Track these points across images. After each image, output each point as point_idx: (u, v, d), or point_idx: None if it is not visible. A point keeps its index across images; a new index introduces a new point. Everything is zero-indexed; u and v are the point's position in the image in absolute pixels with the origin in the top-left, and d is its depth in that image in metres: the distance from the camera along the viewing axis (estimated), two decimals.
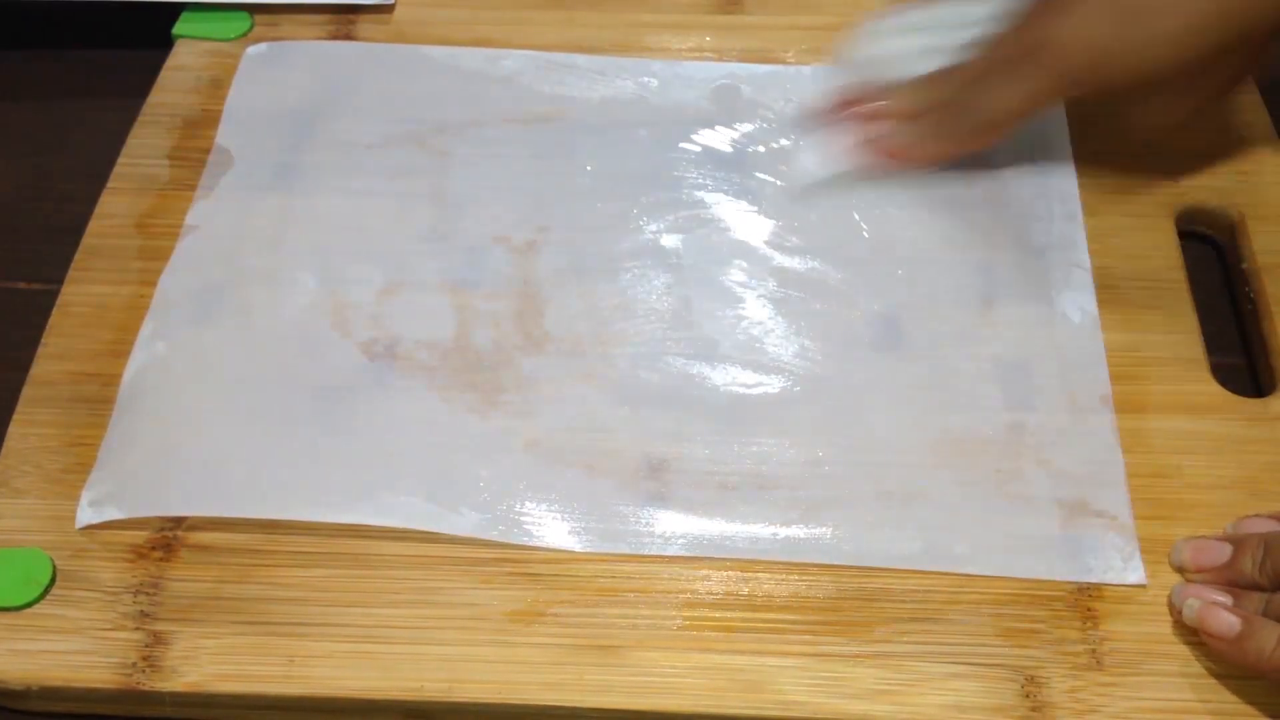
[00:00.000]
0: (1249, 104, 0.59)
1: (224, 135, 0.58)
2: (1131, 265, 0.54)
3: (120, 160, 0.57)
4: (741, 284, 0.53)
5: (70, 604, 0.45)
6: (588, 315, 0.52)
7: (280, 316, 0.52)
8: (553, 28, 0.62)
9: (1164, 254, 0.54)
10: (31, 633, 0.44)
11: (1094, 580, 0.45)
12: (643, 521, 0.47)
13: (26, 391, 0.50)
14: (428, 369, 0.50)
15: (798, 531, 0.46)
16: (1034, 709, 0.43)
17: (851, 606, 0.45)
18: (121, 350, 0.51)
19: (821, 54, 0.61)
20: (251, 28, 0.62)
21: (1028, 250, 0.54)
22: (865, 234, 0.54)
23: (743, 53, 0.62)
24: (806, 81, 0.60)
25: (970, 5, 0.54)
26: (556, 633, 0.44)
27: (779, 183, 0.56)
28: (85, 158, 0.59)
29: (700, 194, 0.56)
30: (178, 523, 0.47)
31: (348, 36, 0.62)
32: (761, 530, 0.46)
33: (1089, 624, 0.45)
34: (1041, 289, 0.53)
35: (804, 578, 0.46)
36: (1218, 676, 0.43)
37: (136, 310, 0.52)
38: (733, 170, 0.57)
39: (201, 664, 0.44)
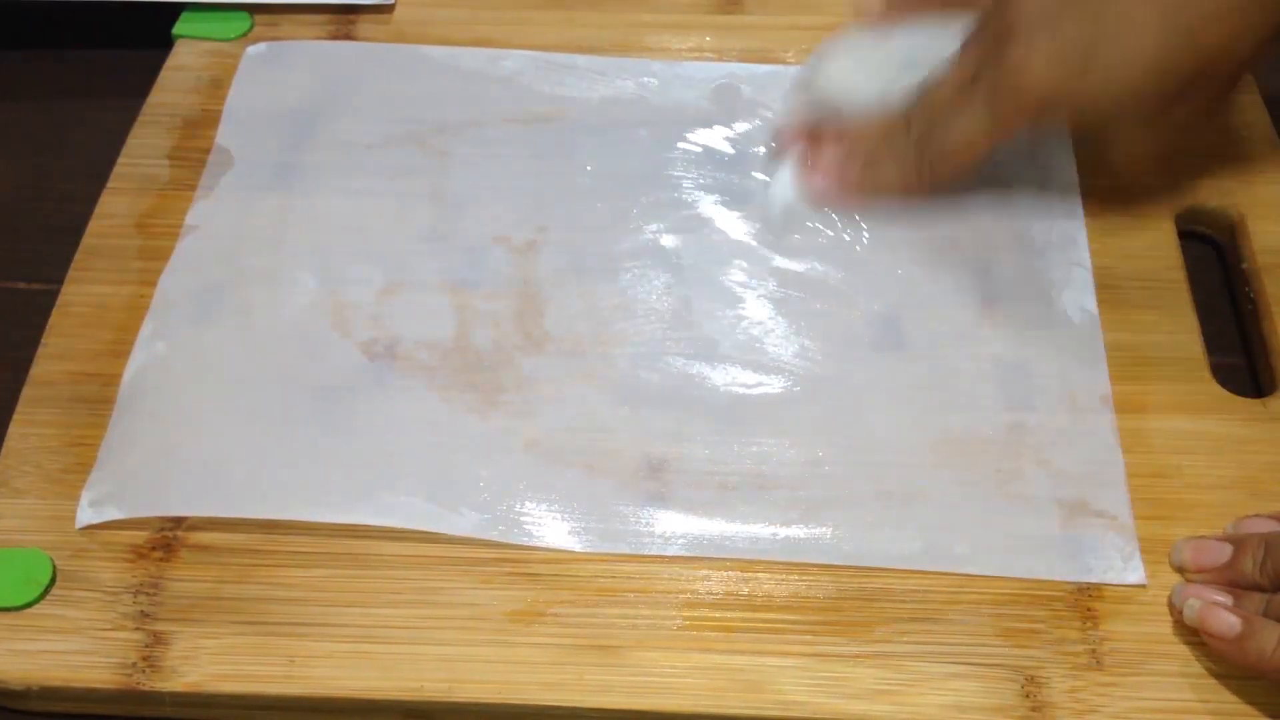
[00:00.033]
0: (1249, 104, 0.59)
1: (224, 135, 0.58)
2: (1131, 265, 0.54)
3: (120, 160, 0.57)
4: (741, 284, 0.53)
5: (70, 604, 0.45)
6: (588, 315, 0.52)
7: (280, 316, 0.52)
8: (553, 28, 0.62)
9: (1164, 254, 0.54)
10: (31, 633, 0.44)
11: (1094, 580, 0.45)
12: (643, 521, 0.47)
13: (26, 391, 0.50)
14: (428, 369, 0.50)
15: (798, 531, 0.46)
16: (1034, 709, 0.43)
17: (851, 606, 0.45)
18: (121, 350, 0.51)
19: None
20: (251, 28, 0.62)
21: (1028, 250, 0.54)
22: (865, 234, 0.54)
23: (743, 53, 0.62)
24: None
25: (929, 31, 0.53)
26: (556, 633, 0.44)
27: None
28: (85, 158, 0.59)
29: (700, 194, 0.56)
30: (178, 523, 0.47)
31: (348, 36, 0.62)
32: (761, 530, 0.46)
33: (1089, 624, 0.45)
34: (1041, 289, 0.53)
35: (804, 578, 0.46)
36: (1218, 676, 0.43)
37: (136, 310, 0.52)
38: (733, 170, 0.57)
39: (201, 664, 0.44)
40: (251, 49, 0.61)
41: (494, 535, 0.46)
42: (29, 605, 0.45)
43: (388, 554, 0.46)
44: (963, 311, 0.52)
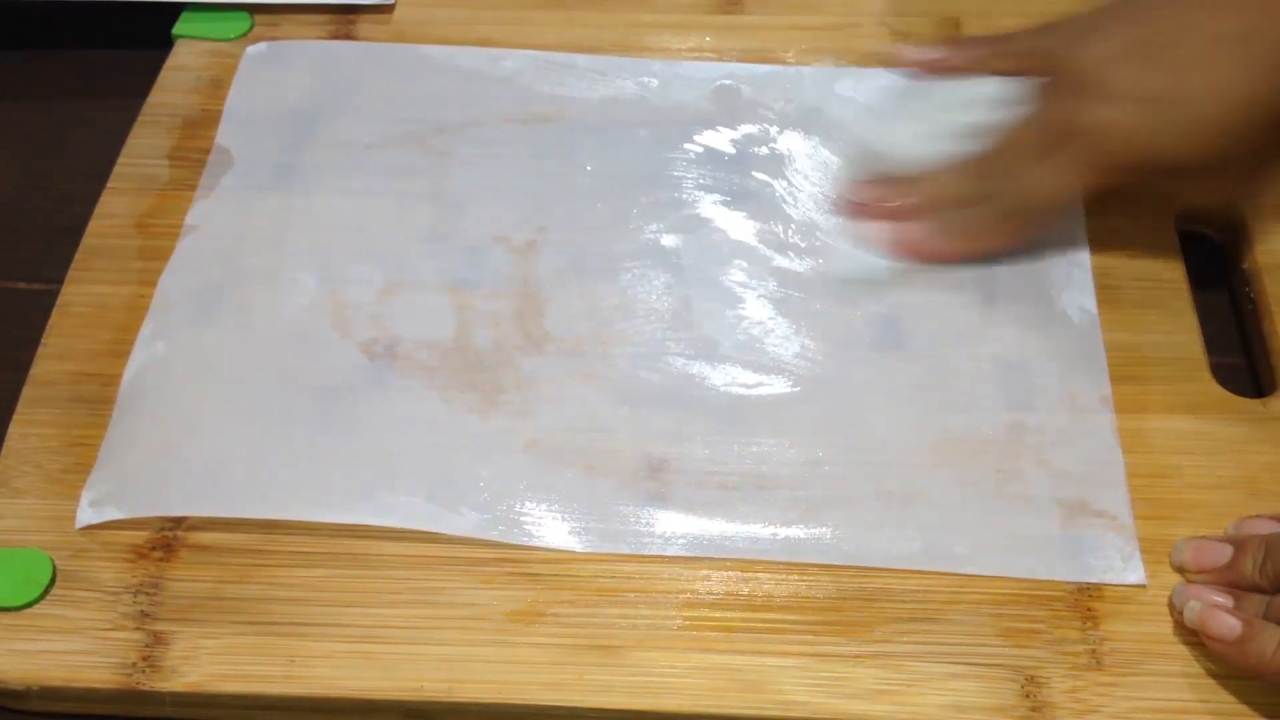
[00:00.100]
0: None
1: (224, 135, 0.58)
2: (1131, 265, 0.54)
3: (120, 160, 0.57)
4: (742, 284, 0.53)
5: (70, 604, 0.45)
6: (588, 315, 0.52)
7: (280, 316, 0.52)
8: (553, 28, 0.62)
9: (1164, 254, 0.54)
10: (31, 633, 0.44)
11: (1094, 580, 0.45)
12: (643, 521, 0.47)
13: (26, 391, 0.50)
14: (428, 369, 0.50)
15: (798, 531, 0.46)
16: (1034, 709, 0.43)
17: (851, 606, 0.45)
18: (121, 350, 0.51)
19: (821, 54, 0.61)
20: (251, 28, 0.62)
21: (1028, 250, 0.54)
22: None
23: (743, 53, 0.62)
24: (806, 82, 0.60)
25: (971, 88, 0.53)
26: (556, 633, 0.44)
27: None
28: (85, 158, 0.59)
29: (700, 194, 0.56)
30: (178, 523, 0.47)
31: (348, 36, 0.62)
32: (761, 530, 0.46)
33: (1089, 624, 0.45)
34: (1041, 289, 0.53)
35: (804, 578, 0.46)
36: (1218, 677, 0.43)
37: (136, 310, 0.52)
38: (733, 170, 0.57)
39: (201, 664, 0.44)
40: (251, 49, 0.61)
41: (494, 535, 0.46)
42: (29, 605, 0.45)
43: (388, 554, 0.46)
44: (963, 311, 0.52)
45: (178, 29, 0.62)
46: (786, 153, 0.57)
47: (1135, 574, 0.46)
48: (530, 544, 0.46)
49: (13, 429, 0.49)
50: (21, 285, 0.56)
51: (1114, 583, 0.45)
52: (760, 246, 0.54)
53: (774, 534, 0.46)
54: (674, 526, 0.46)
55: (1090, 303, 0.52)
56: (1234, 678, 0.43)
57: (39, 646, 0.44)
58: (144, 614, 0.45)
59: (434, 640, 0.44)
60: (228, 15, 0.62)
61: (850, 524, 0.47)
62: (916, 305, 0.52)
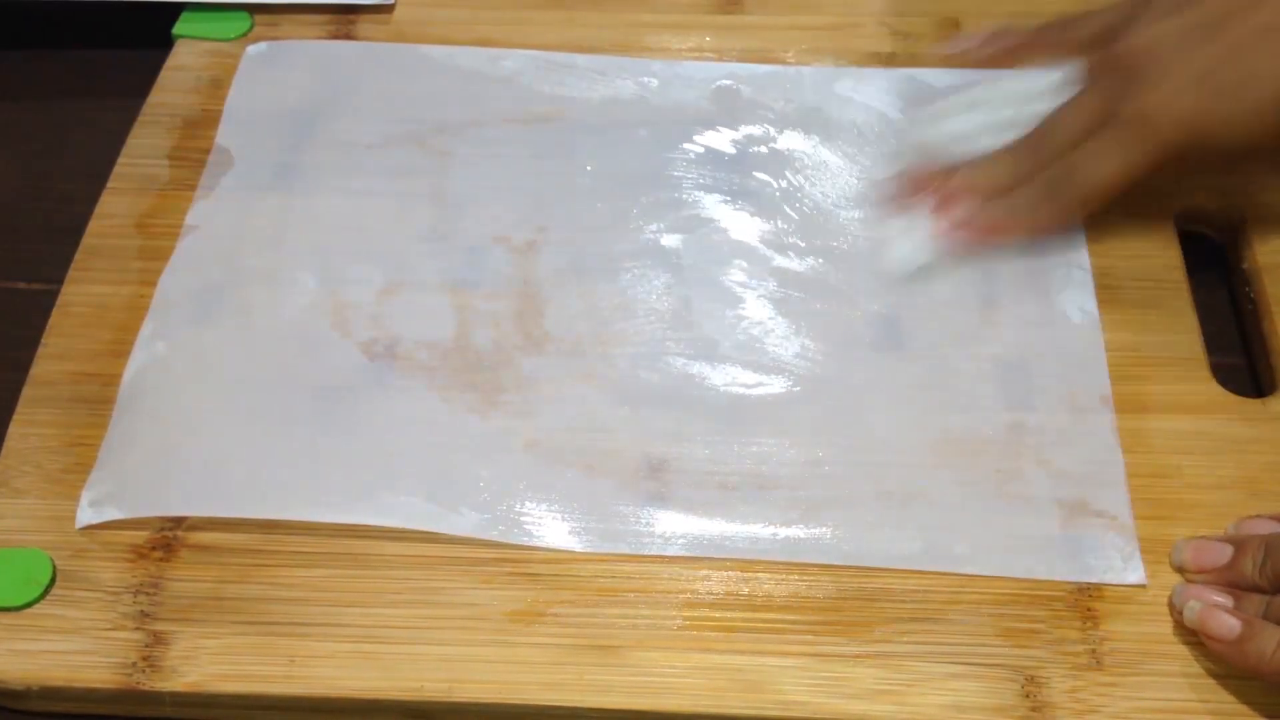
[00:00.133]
0: None
1: (224, 135, 0.58)
2: (1131, 265, 0.54)
3: (120, 160, 0.57)
4: (741, 284, 0.53)
5: (70, 604, 0.45)
6: (588, 315, 0.52)
7: (280, 316, 0.52)
8: (553, 28, 0.62)
9: (1164, 254, 0.54)
10: (31, 633, 0.44)
11: (1094, 580, 0.45)
12: (643, 521, 0.47)
13: (26, 391, 0.50)
14: (428, 369, 0.50)
15: (798, 531, 0.46)
16: (1034, 709, 0.43)
17: (851, 606, 0.45)
18: (121, 350, 0.51)
19: (821, 54, 0.61)
20: (251, 28, 0.62)
21: (1028, 250, 0.54)
22: (866, 234, 0.54)
23: (743, 53, 0.62)
24: (806, 82, 0.60)
25: (1028, 80, 0.53)
26: (556, 633, 0.44)
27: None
28: (85, 158, 0.59)
29: (700, 194, 0.56)
30: (178, 523, 0.47)
31: (348, 36, 0.62)
32: (761, 530, 0.46)
33: (1089, 624, 0.45)
34: (1041, 289, 0.53)
35: (804, 578, 0.46)
36: (1218, 677, 0.43)
37: (136, 310, 0.52)
38: (733, 170, 0.57)
39: (201, 664, 0.44)
40: (251, 49, 0.61)
41: (494, 535, 0.46)
42: (29, 605, 0.45)
43: (388, 554, 0.46)
44: (963, 311, 0.52)
45: (178, 29, 0.62)
46: (786, 153, 0.57)
47: (1135, 574, 0.46)
48: (530, 544, 0.46)
49: (13, 429, 0.49)
50: (21, 285, 0.56)
51: (1114, 583, 0.45)
52: (760, 246, 0.54)
53: (774, 534, 0.46)
54: (674, 526, 0.46)
55: (1090, 303, 0.52)
56: (1234, 678, 0.43)
57: (39, 646, 0.44)
58: (144, 614, 0.45)
59: (434, 640, 0.44)
60: (228, 15, 0.62)
61: (850, 524, 0.47)
62: (916, 305, 0.52)
